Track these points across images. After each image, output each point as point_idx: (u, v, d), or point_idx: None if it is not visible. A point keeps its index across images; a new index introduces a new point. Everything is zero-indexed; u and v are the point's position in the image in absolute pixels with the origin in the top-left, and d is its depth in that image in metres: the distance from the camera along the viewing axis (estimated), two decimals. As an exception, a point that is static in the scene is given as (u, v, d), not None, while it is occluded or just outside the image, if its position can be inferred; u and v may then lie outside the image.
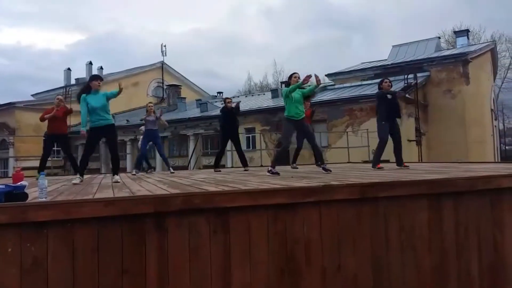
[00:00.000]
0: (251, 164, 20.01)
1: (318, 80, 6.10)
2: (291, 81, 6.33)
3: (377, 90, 7.31)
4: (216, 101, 31.35)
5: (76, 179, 5.37)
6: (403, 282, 3.57)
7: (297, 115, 6.20)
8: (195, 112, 28.78)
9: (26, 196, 3.00)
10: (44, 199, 3.13)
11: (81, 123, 5.48)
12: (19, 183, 3.32)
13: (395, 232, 3.58)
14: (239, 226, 3.16)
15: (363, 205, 3.52)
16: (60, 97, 7.86)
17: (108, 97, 5.46)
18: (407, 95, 20.18)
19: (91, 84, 5.47)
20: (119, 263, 2.85)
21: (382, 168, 6.56)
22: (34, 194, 3.45)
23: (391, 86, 7.07)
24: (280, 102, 23.89)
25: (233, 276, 3.11)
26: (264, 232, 3.23)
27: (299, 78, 6.35)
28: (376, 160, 6.77)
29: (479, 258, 3.83)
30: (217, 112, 25.66)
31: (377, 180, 3.96)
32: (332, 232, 3.40)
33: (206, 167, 22.70)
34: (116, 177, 5.53)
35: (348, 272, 3.42)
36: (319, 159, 6.69)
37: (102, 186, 4.76)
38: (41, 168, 7.40)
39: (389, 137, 6.80)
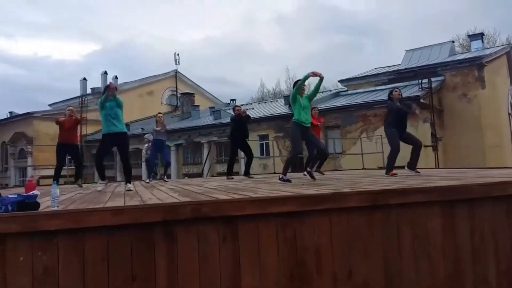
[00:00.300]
0: (265, 171, 20.03)
1: (319, 75, 6.01)
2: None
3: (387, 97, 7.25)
4: (229, 109, 31.45)
5: (100, 185, 5.53)
6: (417, 290, 3.50)
7: (306, 121, 6.15)
8: (208, 120, 28.96)
9: (38, 205, 3.04)
10: (56, 208, 3.18)
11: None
12: (31, 192, 3.37)
13: (407, 239, 3.51)
14: (248, 233, 3.15)
15: (375, 212, 3.47)
16: (71, 108, 8.02)
17: (119, 105, 5.58)
18: (421, 100, 19.98)
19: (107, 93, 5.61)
20: (128, 271, 2.86)
21: (396, 174, 6.48)
22: (47, 203, 3.50)
23: (401, 95, 7.04)
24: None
25: (243, 283, 3.09)
26: (273, 240, 3.20)
27: (305, 85, 6.35)
28: (390, 167, 6.69)
29: (496, 264, 3.73)
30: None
31: (389, 187, 3.91)
32: (343, 239, 3.36)
33: (220, 174, 22.75)
34: (129, 186, 5.60)
35: (360, 279, 3.37)
36: (321, 164, 6.66)
37: (115, 195, 4.80)
38: (56, 177, 7.52)
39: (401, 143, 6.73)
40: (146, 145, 11.45)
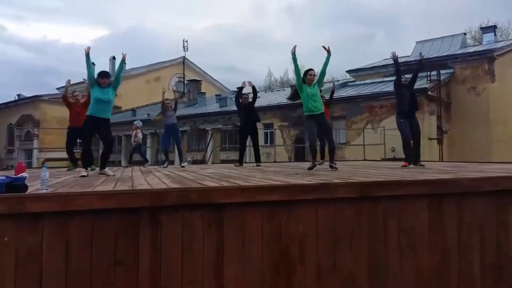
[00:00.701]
0: (268, 159, 20.06)
1: (327, 49, 6.00)
2: (306, 78, 6.24)
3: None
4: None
5: (83, 171, 5.46)
6: (402, 282, 3.51)
7: (316, 108, 6.06)
8: (214, 107, 28.94)
9: (26, 187, 3.08)
10: (45, 190, 3.21)
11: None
12: (19, 175, 3.41)
13: (394, 232, 3.51)
14: (233, 221, 3.17)
15: (362, 204, 3.47)
16: (77, 93, 8.07)
17: (115, 88, 5.65)
18: (429, 92, 19.78)
19: (98, 81, 5.59)
20: (112, 255, 2.90)
21: (406, 166, 6.49)
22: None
23: (407, 81, 7.04)
24: (299, 98, 23.70)
25: (226, 270, 3.12)
26: (258, 229, 3.22)
27: (314, 75, 6.28)
28: (405, 158, 6.70)
29: (481, 259, 3.73)
30: (236, 107, 25.74)
31: (379, 179, 3.90)
32: (329, 230, 3.37)
33: (224, 161, 22.81)
34: (107, 171, 5.60)
35: (344, 271, 3.38)
36: (332, 156, 6.56)
37: (109, 179, 4.84)
38: (72, 160, 7.65)
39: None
40: (135, 132, 11.27)
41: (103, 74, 5.67)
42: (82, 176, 5.24)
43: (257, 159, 8.75)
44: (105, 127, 5.68)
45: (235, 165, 8.35)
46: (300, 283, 3.28)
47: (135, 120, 12.29)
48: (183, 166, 8.72)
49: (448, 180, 3.75)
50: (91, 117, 5.56)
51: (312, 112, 6.05)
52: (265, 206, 3.25)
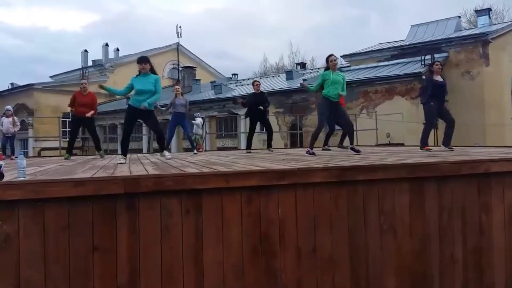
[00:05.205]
0: (264, 146, 20.06)
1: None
2: (328, 64, 6.39)
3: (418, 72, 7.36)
4: (230, 83, 31.28)
5: (121, 159, 5.46)
6: (382, 265, 3.55)
7: (335, 96, 6.25)
8: (209, 94, 28.83)
9: (1, 175, 3.07)
10: (22, 178, 3.21)
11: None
12: (-5, 163, 3.40)
13: (374, 215, 3.54)
14: (211, 206, 3.18)
15: (341, 188, 3.49)
16: (84, 81, 8.11)
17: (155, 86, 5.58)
18: (423, 77, 19.74)
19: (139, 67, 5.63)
20: (89, 241, 2.92)
21: (430, 149, 6.51)
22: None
23: (442, 69, 6.99)
24: (295, 84, 23.63)
25: (206, 254, 3.15)
26: (237, 213, 3.24)
27: (336, 60, 6.39)
28: (424, 142, 6.76)
29: (463, 242, 3.77)
30: (231, 94, 25.77)
31: (358, 163, 3.91)
32: (308, 214, 3.39)
33: (220, 149, 22.80)
34: (166, 154, 5.63)
35: (324, 253, 3.42)
36: (351, 141, 6.71)
37: (96, 166, 4.84)
38: (69, 149, 7.61)
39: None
40: (11, 118, 10.37)
41: (139, 60, 5.72)
42: (120, 163, 5.17)
43: (269, 145, 8.73)
44: (146, 117, 5.68)
45: (247, 152, 8.32)
46: (280, 266, 3.31)
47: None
48: (196, 153, 8.71)
49: (427, 163, 3.76)
50: (131, 107, 5.55)
51: (331, 97, 6.27)
52: (243, 191, 3.26)
